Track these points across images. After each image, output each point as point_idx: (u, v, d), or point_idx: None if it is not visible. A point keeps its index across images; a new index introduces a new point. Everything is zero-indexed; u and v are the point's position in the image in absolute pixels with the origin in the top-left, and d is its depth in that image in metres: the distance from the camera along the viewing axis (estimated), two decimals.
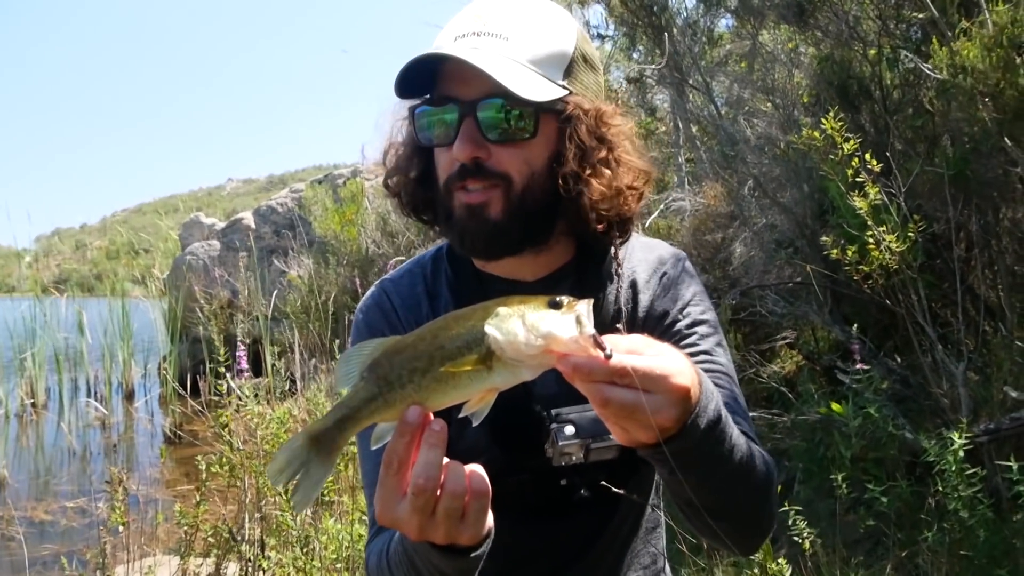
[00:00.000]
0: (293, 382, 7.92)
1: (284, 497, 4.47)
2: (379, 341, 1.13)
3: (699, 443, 1.14)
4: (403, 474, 1.10)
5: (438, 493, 1.10)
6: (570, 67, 1.53)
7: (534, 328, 1.03)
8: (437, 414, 1.11)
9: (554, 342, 1.03)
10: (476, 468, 1.14)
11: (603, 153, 1.54)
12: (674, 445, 1.11)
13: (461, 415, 1.11)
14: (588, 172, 1.52)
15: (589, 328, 1.03)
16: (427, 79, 1.51)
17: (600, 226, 1.57)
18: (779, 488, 1.51)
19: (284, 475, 1.15)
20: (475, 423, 1.12)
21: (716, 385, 1.47)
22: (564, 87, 1.50)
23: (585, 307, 1.05)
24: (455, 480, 1.11)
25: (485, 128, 1.46)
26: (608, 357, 1.02)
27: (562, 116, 1.51)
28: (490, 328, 1.05)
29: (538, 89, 1.45)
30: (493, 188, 1.49)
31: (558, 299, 1.06)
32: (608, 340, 1.04)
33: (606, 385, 1.04)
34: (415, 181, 1.62)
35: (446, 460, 1.11)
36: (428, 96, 1.52)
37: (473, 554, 1.20)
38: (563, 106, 1.50)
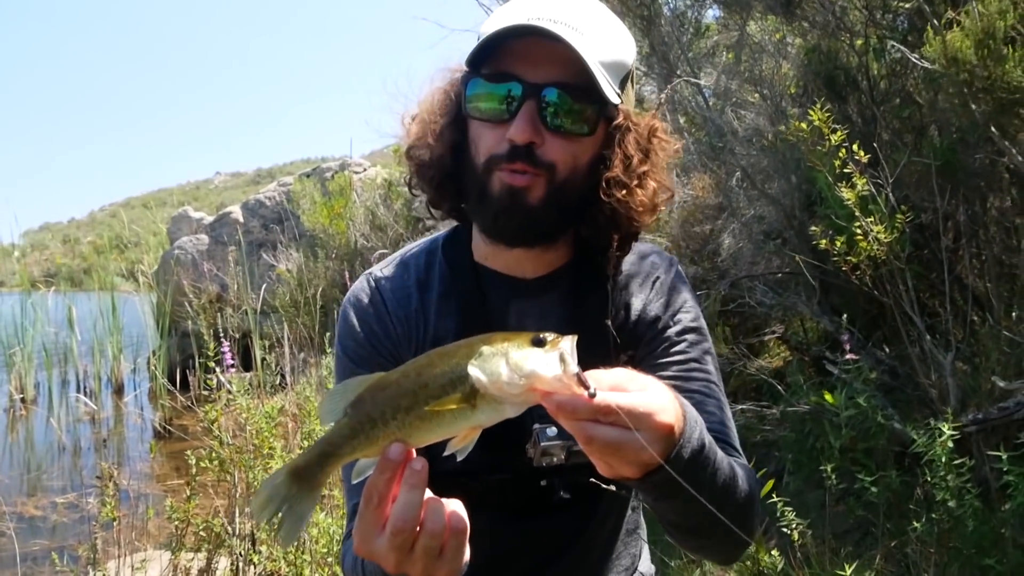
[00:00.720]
0: (283, 376, 7.91)
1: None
2: (363, 378, 1.13)
3: (682, 473, 1.14)
4: (383, 508, 1.10)
5: (417, 530, 1.10)
6: (624, 79, 1.55)
7: (517, 367, 1.03)
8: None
9: (538, 380, 1.03)
10: (456, 505, 1.15)
11: (645, 167, 1.57)
12: (657, 477, 1.12)
13: (445, 453, 1.11)
14: (635, 182, 1.54)
15: (573, 366, 1.03)
16: (482, 53, 1.49)
17: (617, 236, 1.60)
18: (770, 480, 1.53)
19: (267, 511, 1.15)
20: (459, 458, 1.12)
21: (701, 393, 1.51)
22: (619, 95, 1.51)
23: (569, 344, 1.05)
24: (434, 519, 1.11)
25: (547, 114, 1.46)
26: (592, 395, 1.02)
27: (612, 123, 1.53)
28: (473, 368, 1.05)
29: (610, 90, 1.47)
30: (536, 176, 1.48)
31: (541, 336, 1.06)
32: (591, 376, 1.04)
33: (590, 423, 1.04)
34: (449, 153, 1.60)
35: (427, 495, 1.11)
36: (477, 70, 1.51)
37: None
38: (615, 113, 1.52)
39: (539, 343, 1.05)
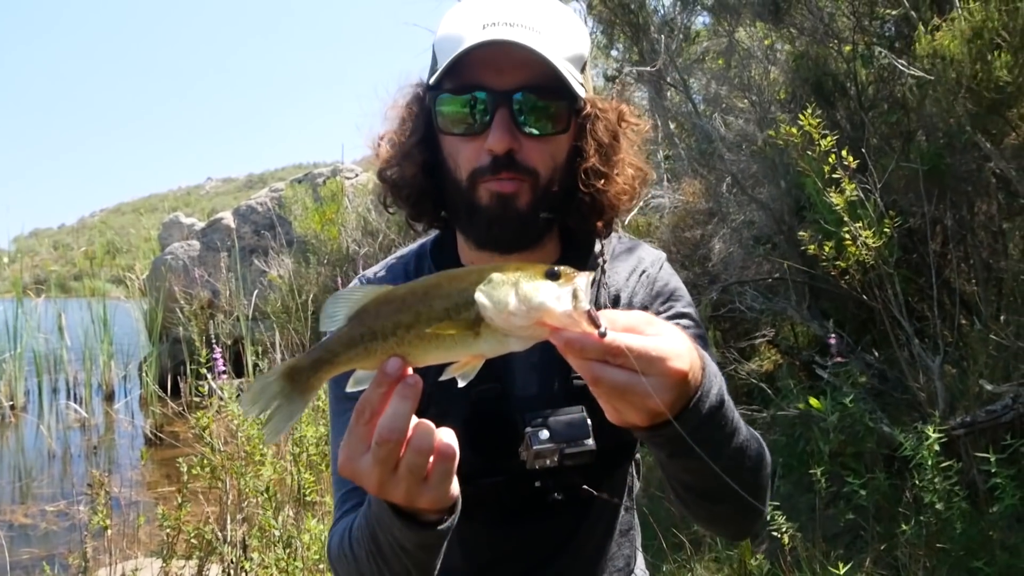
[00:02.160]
0: None
1: (267, 496, 4.47)
2: (369, 288, 1.09)
3: (699, 427, 1.11)
4: (373, 424, 1.08)
5: (403, 447, 1.08)
6: (583, 68, 1.55)
7: (526, 299, 0.99)
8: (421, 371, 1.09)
9: (546, 314, 0.98)
10: (447, 434, 1.12)
11: (619, 152, 1.57)
12: (671, 430, 1.08)
13: (444, 377, 1.08)
14: (610, 169, 1.55)
15: (585, 303, 0.99)
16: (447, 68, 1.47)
17: (599, 223, 1.60)
18: None
19: (256, 407, 1.13)
20: (461, 384, 1.08)
21: None
22: (582, 87, 1.52)
23: (584, 280, 1.01)
24: (422, 437, 1.09)
25: (520, 120, 1.45)
26: (602, 335, 0.98)
27: (582, 113, 1.52)
28: (480, 295, 1.01)
29: (577, 85, 1.47)
30: (522, 181, 1.48)
31: (556, 269, 1.01)
32: (606, 316, 1.00)
33: (598, 364, 1.00)
34: (422, 172, 1.59)
35: (416, 420, 1.09)
36: (441, 84, 1.50)
37: (436, 528, 1.19)
38: (582, 103, 1.52)
39: (553, 276, 1.01)
